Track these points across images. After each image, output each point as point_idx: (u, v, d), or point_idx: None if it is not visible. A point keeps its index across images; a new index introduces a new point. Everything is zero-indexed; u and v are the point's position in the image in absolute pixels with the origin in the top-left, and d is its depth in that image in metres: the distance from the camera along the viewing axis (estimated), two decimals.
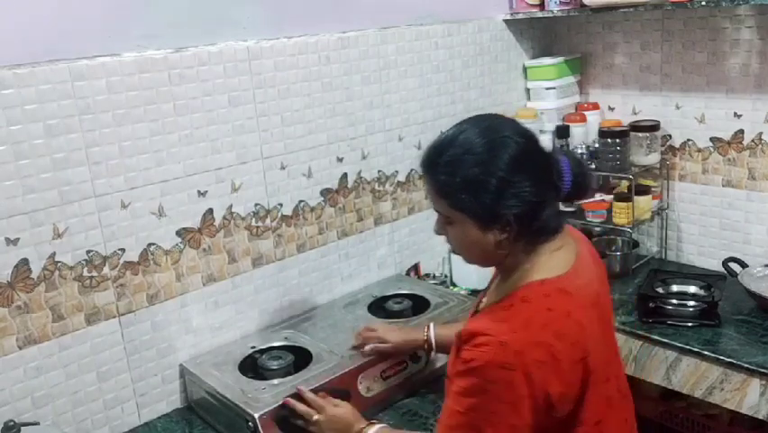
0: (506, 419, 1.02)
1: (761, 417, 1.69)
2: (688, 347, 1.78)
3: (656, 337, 1.84)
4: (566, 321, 1.06)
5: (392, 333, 1.64)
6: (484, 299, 1.30)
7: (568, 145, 2.33)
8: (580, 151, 2.31)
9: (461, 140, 1.12)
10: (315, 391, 1.49)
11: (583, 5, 2.14)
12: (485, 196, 1.08)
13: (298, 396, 1.47)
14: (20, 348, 1.44)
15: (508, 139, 1.10)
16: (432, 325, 1.62)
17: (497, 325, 1.04)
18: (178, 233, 1.65)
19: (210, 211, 1.70)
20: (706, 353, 1.75)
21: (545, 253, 1.14)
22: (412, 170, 2.15)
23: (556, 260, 1.14)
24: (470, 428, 1.04)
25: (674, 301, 1.93)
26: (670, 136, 2.27)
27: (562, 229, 1.17)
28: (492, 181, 1.08)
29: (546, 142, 2.36)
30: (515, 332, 1.02)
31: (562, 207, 1.37)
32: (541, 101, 2.43)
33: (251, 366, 1.66)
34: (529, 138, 1.14)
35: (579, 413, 1.10)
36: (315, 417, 1.42)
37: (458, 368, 1.06)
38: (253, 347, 1.73)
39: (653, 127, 2.22)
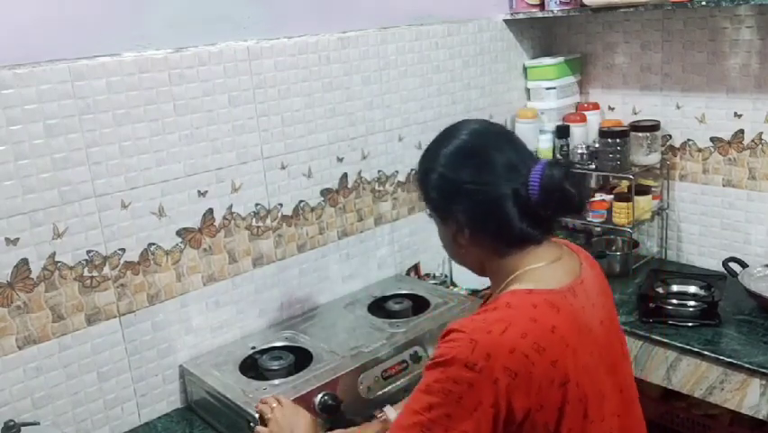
0: (460, 426, 0.94)
1: (761, 417, 1.69)
2: (688, 347, 1.78)
3: (656, 337, 1.84)
4: (550, 336, 0.97)
5: None
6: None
7: (568, 145, 2.33)
8: (580, 151, 2.31)
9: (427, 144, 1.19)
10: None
11: (583, 5, 2.14)
12: (432, 192, 1.13)
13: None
14: (20, 348, 1.44)
15: (453, 138, 1.13)
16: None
17: (473, 323, 0.99)
18: (179, 233, 1.65)
19: (210, 211, 1.70)
20: (706, 353, 1.75)
21: (537, 262, 1.08)
22: (412, 169, 2.14)
23: (551, 273, 1.07)
24: (423, 430, 0.96)
25: (674, 301, 1.93)
26: (670, 136, 2.27)
27: (541, 240, 1.09)
28: (434, 177, 1.12)
29: (546, 143, 2.36)
30: (489, 333, 0.95)
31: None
32: (541, 101, 2.43)
33: (252, 366, 1.66)
34: (480, 136, 1.13)
35: None
36: (269, 415, 1.33)
37: (427, 363, 1.01)
38: (254, 347, 1.73)
39: (654, 127, 2.22)
